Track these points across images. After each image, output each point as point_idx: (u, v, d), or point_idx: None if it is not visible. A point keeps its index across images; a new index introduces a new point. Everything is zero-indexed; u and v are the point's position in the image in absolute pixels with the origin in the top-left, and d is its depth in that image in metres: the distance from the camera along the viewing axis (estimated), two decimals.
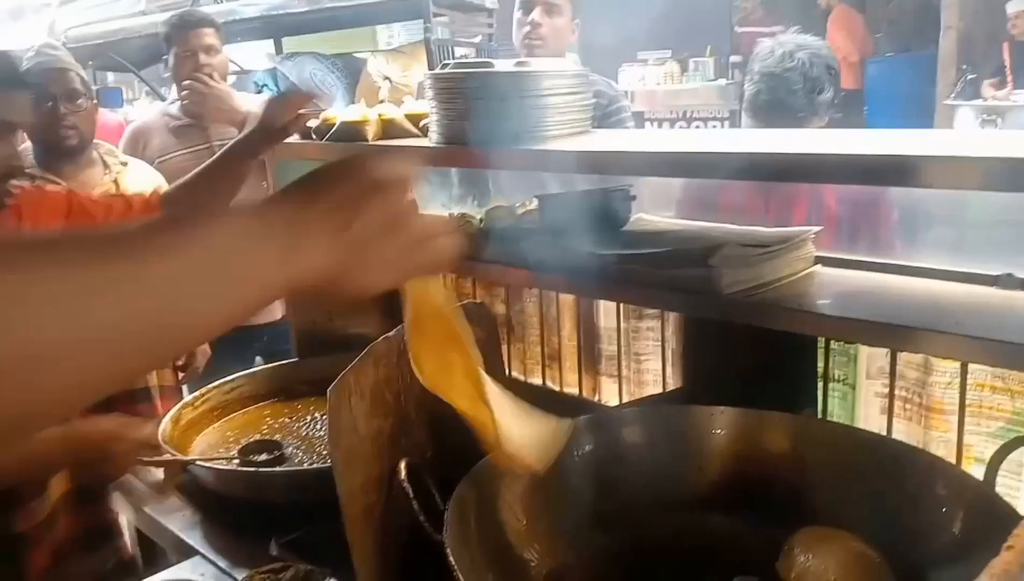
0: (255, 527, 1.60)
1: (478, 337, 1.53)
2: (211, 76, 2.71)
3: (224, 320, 0.59)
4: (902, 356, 1.44)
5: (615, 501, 1.34)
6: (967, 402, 1.33)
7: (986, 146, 1.11)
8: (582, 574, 1.23)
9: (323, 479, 1.10)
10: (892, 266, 1.42)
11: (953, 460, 1.31)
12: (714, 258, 1.29)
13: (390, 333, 1.25)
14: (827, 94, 2.12)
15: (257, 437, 1.90)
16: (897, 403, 1.46)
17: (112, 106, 5.11)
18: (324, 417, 1.83)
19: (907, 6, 8.20)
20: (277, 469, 1.75)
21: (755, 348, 1.46)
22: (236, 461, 1.75)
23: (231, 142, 1.85)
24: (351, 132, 1.85)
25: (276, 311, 2.74)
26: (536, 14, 2.62)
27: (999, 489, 1.12)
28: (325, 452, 1.79)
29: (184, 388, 2.65)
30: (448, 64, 1.60)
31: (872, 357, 1.51)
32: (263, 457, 1.78)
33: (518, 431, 0.99)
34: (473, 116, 1.51)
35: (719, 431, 1.38)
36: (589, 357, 1.98)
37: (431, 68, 4.73)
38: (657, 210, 1.81)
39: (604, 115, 2.39)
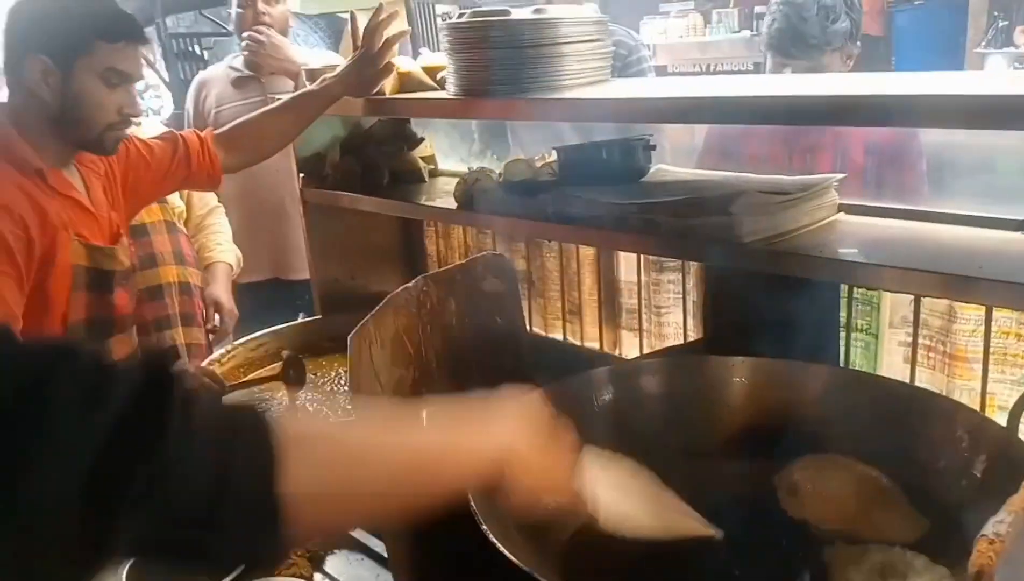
0: None
1: (498, 290, 1.54)
2: (270, 27, 2.70)
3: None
4: (925, 304, 1.42)
5: (637, 451, 1.34)
6: (991, 350, 1.32)
7: (1014, 86, 1.08)
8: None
9: None
10: (916, 213, 1.39)
11: (977, 408, 1.31)
12: (735, 206, 1.27)
13: (409, 283, 1.26)
14: (842, 24, 2.07)
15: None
16: (920, 352, 1.44)
17: None
18: (347, 372, 1.85)
19: None
20: None
21: (777, 298, 1.45)
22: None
23: (326, 82, 1.79)
24: None
25: None
26: None
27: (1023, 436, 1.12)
28: (349, 406, 1.81)
29: (214, 348, 2.69)
30: (464, 14, 1.58)
31: (895, 306, 1.49)
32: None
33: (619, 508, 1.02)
34: (490, 66, 1.50)
35: (740, 380, 1.38)
36: (609, 311, 1.98)
37: (411, 25, 4.67)
38: (679, 162, 1.79)
39: (624, 65, 2.35)
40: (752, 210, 1.29)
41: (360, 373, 1.07)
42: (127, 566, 1.31)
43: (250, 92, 2.72)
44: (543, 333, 2.11)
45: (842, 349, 1.53)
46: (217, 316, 2.40)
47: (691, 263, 1.75)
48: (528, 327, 1.98)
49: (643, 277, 1.87)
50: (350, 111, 1.92)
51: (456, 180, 1.79)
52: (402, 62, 1.82)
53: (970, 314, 1.36)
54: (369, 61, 1.72)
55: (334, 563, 1.39)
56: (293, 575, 1.34)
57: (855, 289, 1.51)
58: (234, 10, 2.80)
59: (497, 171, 1.76)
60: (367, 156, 2.11)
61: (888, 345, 1.52)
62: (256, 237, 2.86)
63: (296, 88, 2.18)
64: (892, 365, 1.51)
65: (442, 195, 1.93)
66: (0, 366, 0.60)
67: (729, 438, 1.35)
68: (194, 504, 0.63)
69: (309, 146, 2.16)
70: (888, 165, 1.98)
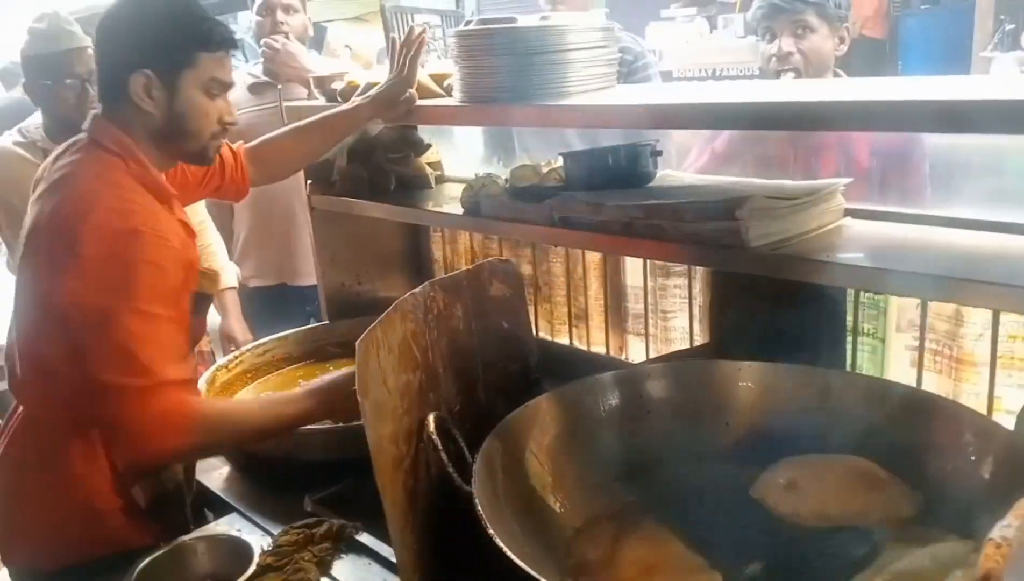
0: (289, 484, 1.63)
1: (505, 295, 1.55)
2: (287, 35, 2.73)
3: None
4: (932, 308, 1.42)
5: (643, 454, 1.35)
6: (998, 353, 1.32)
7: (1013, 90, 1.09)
8: (610, 526, 1.24)
9: (354, 437, 1.12)
10: (923, 217, 1.40)
11: (984, 412, 1.31)
12: (740, 211, 1.27)
13: (416, 289, 1.27)
14: None
15: None
16: (927, 356, 1.45)
17: None
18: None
19: None
20: (310, 427, 1.78)
21: (783, 302, 1.46)
22: None
23: (356, 104, 1.79)
24: None
25: None
26: None
27: None
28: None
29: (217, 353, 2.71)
30: (471, 21, 1.59)
31: (902, 310, 1.50)
32: None
33: None
34: (497, 73, 1.50)
35: (747, 384, 1.38)
36: (616, 316, 1.98)
37: (386, 36, 4.67)
38: (684, 167, 1.80)
39: (630, 72, 2.36)
40: (758, 215, 1.29)
41: (368, 377, 1.07)
42: (138, 567, 1.32)
43: (266, 98, 2.74)
44: (550, 338, 2.12)
45: (849, 353, 1.53)
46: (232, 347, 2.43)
47: (697, 268, 1.75)
48: (535, 332, 1.99)
49: (649, 282, 1.88)
50: None
51: (463, 186, 1.79)
52: None
53: (977, 318, 1.36)
54: (402, 86, 1.73)
55: (341, 567, 1.40)
56: (300, 580, 1.35)
57: (861, 293, 1.51)
58: (254, 18, 2.84)
59: (503, 177, 1.77)
60: (374, 163, 2.12)
61: (895, 349, 1.52)
62: (265, 242, 2.87)
63: (308, 96, 2.19)
64: (899, 369, 1.51)
65: (449, 201, 1.94)
66: None
67: (736, 442, 1.36)
68: None
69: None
70: (892, 167, 1.98)
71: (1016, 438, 1.08)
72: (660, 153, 1.64)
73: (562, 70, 1.49)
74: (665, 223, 1.39)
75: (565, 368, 1.69)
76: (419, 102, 1.75)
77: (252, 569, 1.32)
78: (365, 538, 1.44)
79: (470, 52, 1.54)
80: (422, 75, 1.84)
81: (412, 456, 1.15)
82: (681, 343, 1.85)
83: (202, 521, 1.70)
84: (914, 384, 1.43)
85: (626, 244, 1.48)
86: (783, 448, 1.28)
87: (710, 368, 1.43)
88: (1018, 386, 1.34)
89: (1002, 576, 0.63)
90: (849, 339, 1.53)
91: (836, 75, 2.18)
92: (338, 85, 1.95)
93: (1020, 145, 1.15)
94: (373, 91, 1.78)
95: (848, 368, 1.52)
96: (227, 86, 1.54)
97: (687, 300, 1.83)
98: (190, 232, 1.59)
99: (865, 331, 1.53)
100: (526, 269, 2.10)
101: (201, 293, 1.61)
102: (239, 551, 1.36)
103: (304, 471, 1.65)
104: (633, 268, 1.92)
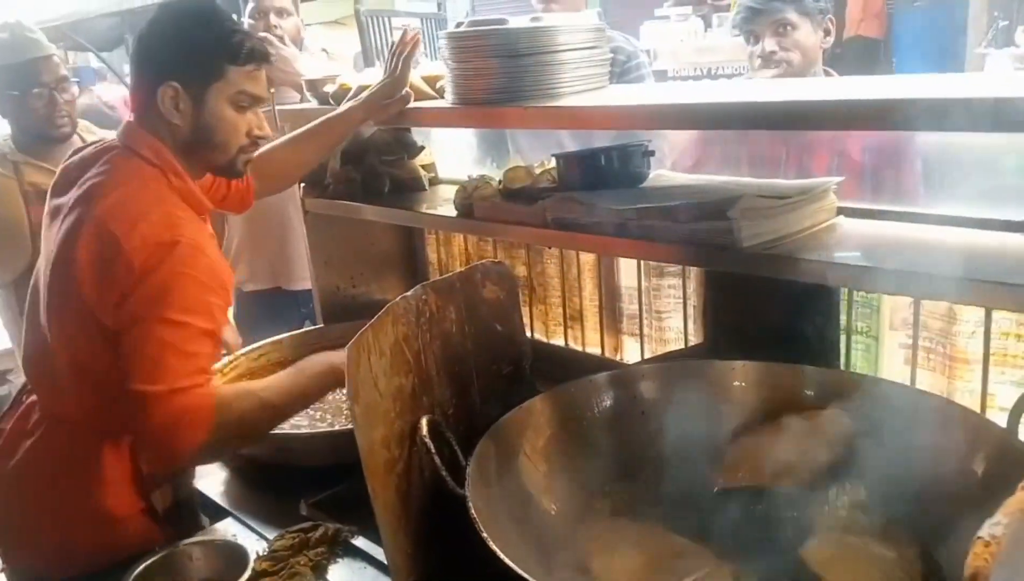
0: (285, 489, 1.63)
1: (498, 297, 1.55)
2: (281, 39, 2.71)
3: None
4: (925, 306, 1.42)
5: (637, 455, 1.35)
6: (991, 351, 1.32)
7: (1007, 87, 1.09)
8: (605, 527, 1.24)
9: (350, 440, 1.11)
10: (916, 215, 1.40)
11: (977, 409, 1.31)
12: (733, 210, 1.28)
13: (408, 292, 1.26)
14: None
15: None
16: (921, 354, 1.45)
17: (87, 84, 5.22)
18: None
19: None
20: (305, 431, 1.78)
21: (777, 301, 1.46)
22: None
23: (349, 107, 1.80)
24: None
25: None
26: None
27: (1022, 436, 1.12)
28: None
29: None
30: (461, 23, 1.59)
31: (895, 308, 1.50)
32: None
33: None
34: (489, 74, 1.50)
35: (741, 384, 1.38)
36: (611, 316, 1.98)
37: (361, 40, 4.65)
38: (677, 167, 1.80)
39: (623, 72, 2.36)
40: (751, 214, 1.29)
41: (359, 381, 1.07)
42: (134, 572, 1.32)
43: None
44: (544, 339, 2.12)
45: (843, 352, 1.53)
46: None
47: (691, 268, 1.75)
48: (529, 333, 1.98)
49: (643, 282, 1.88)
50: None
51: (456, 188, 1.79)
52: None
53: (970, 316, 1.36)
54: (395, 87, 1.73)
55: (337, 571, 1.40)
56: None
57: (855, 292, 1.51)
58: (247, 22, 2.82)
59: (497, 178, 1.77)
60: (368, 165, 2.11)
61: (889, 347, 1.52)
62: (259, 247, 2.87)
63: (301, 100, 2.19)
64: (893, 367, 1.51)
65: (443, 203, 1.94)
66: None
67: (730, 442, 1.35)
68: None
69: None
70: (885, 165, 1.98)
71: (1007, 436, 1.08)
72: (653, 153, 1.64)
73: (553, 71, 1.49)
74: (658, 223, 1.39)
75: (560, 369, 1.69)
76: (412, 104, 1.75)
77: (248, 574, 1.32)
78: (360, 542, 1.43)
79: (461, 54, 1.54)
80: (414, 77, 1.83)
81: (405, 460, 1.15)
82: (676, 343, 1.85)
83: (197, 526, 1.70)
84: (908, 382, 1.43)
85: (620, 245, 1.48)
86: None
87: (704, 368, 1.43)
88: (1011, 383, 1.34)
89: (990, 575, 0.63)
90: (843, 337, 1.53)
91: (828, 74, 2.18)
92: (330, 88, 1.95)
93: (1013, 142, 1.14)
94: (365, 93, 1.78)
95: (842, 366, 1.52)
96: (258, 99, 1.53)
97: (681, 300, 1.83)
98: (215, 243, 1.58)
99: (859, 329, 1.53)
100: (520, 270, 2.10)
101: None
102: (235, 556, 1.36)
103: (300, 475, 1.65)
104: (627, 269, 1.92)
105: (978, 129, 0.95)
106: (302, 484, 1.62)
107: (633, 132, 1.68)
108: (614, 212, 1.44)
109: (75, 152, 1.60)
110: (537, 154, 2.03)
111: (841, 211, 1.44)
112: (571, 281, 2.02)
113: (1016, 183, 1.54)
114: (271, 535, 1.49)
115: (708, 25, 8.07)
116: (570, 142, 2.11)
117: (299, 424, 1.81)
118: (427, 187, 2.13)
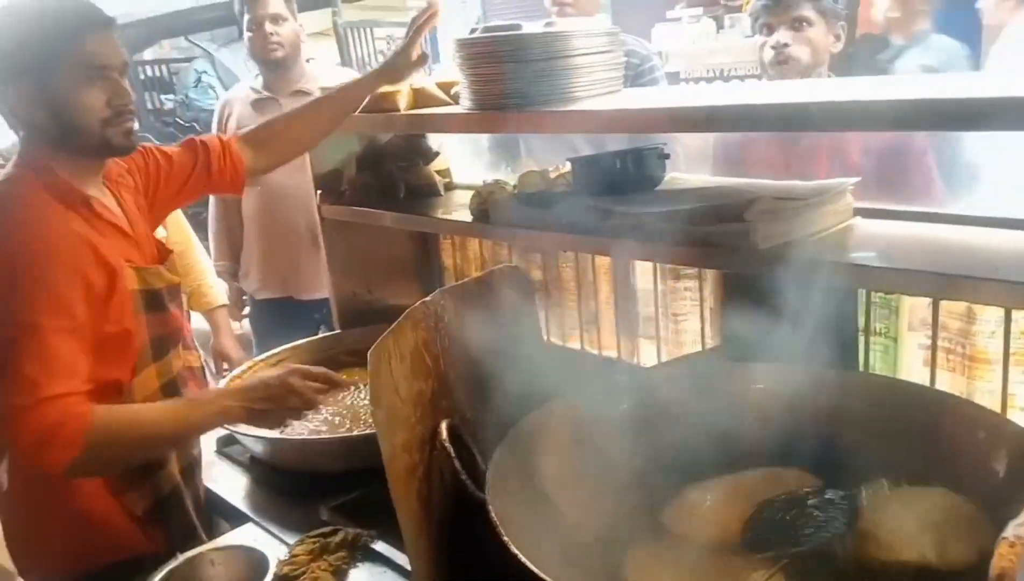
0: (305, 494, 1.64)
1: (515, 302, 1.55)
2: (280, 45, 2.72)
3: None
4: (944, 307, 1.42)
5: (655, 458, 1.35)
6: (1011, 351, 1.31)
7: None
8: (626, 530, 1.24)
9: (369, 445, 1.12)
10: (933, 215, 1.39)
11: (997, 409, 1.30)
12: (749, 212, 1.28)
13: (427, 297, 1.27)
14: None
15: None
16: (940, 354, 1.44)
17: None
18: (367, 386, 1.87)
19: None
20: (325, 437, 1.79)
21: (794, 303, 1.45)
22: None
23: (366, 74, 1.82)
24: (383, 103, 1.86)
25: None
26: None
27: None
28: (371, 420, 1.83)
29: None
30: (476, 29, 1.59)
31: (914, 309, 1.49)
32: None
33: None
34: (503, 80, 1.51)
35: (759, 386, 1.38)
36: (626, 320, 1.98)
37: (340, 52, 4.67)
38: (693, 170, 1.79)
39: (636, 75, 2.37)
40: (767, 216, 1.29)
41: (380, 386, 1.08)
42: (157, 577, 1.33)
43: (268, 113, 2.75)
44: (561, 343, 2.12)
45: (861, 353, 1.53)
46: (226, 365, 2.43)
47: (708, 270, 1.75)
48: (546, 337, 1.99)
49: (660, 285, 1.87)
50: (366, 127, 1.94)
51: (471, 193, 1.80)
52: (417, 79, 1.85)
53: (989, 315, 1.35)
54: (407, 53, 1.76)
55: (357, 576, 1.40)
56: None
57: (873, 292, 1.50)
58: (245, 34, 2.84)
59: (512, 183, 1.77)
60: (383, 171, 2.12)
61: (908, 348, 1.51)
62: (272, 256, 2.89)
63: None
64: (912, 368, 1.50)
65: (458, 208, 1.95)
66: None
67: (749, 444, 1.35)
68: None
69: (326, 162, 2.18)
70: (891, 165, 1.98)
71: None
72: (668, 156, 1.64)
73: (568, 75, 1.49)
74: (674, 226, 1.39)
75: (577, 373, 1.69)
76: (426, 111, 1.76)
77: (268, 579, 1.32)
78: (380, 546, 1.44)
79: (476, 60, 1.55)
80: (429, 83, 1.85)
81: (426, 464, 1.16)
82: (693, 346, 1.85)
83: (216, 530, 1.71)
84: (927, 383, 1.42)
85: (636, 248, 1.48)
86: (796, 450, 1.28)
87: (722, 370, 1.43)
88: None
89: (1016, 575, 0.63)
90: (861, 339, 1.52)
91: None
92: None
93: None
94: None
95: (861, 368, 1.52)
96: (105, 68, 1.43)
97: (698, 303, 1.82)
98: (121, 232, 1.55)
99: (877, 331, 1.53)
100: (536, 274, 2.10)
101: (145, 290, 1.55)
102: (254, 562, 1.37)
103: (320, 480, 1.66)
104: (643, 271, 1.92)
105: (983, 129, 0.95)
106: (322, 489, 1.63)
107: (647, 135, 1.68)
108: (630, 215, 1.45)
109: None
110: (550, 158, 2.03)
111: (857, 212, 1.44)
112: (587, 285, 2.02)
113: None
114: (291, 540, 1.50)
115: (720, 27, 8.05)
116: (583, 146, 2.12)
117: (319, 429, 1.82)
118: (442, 192, 2.14)
